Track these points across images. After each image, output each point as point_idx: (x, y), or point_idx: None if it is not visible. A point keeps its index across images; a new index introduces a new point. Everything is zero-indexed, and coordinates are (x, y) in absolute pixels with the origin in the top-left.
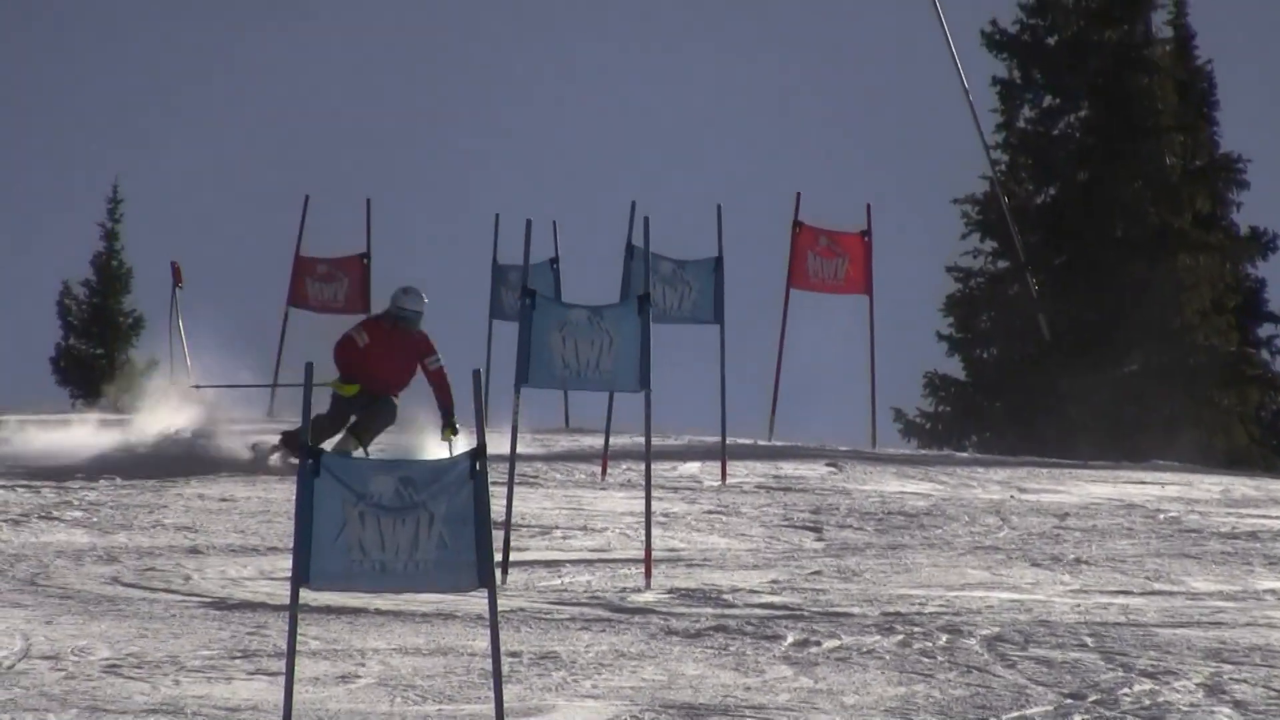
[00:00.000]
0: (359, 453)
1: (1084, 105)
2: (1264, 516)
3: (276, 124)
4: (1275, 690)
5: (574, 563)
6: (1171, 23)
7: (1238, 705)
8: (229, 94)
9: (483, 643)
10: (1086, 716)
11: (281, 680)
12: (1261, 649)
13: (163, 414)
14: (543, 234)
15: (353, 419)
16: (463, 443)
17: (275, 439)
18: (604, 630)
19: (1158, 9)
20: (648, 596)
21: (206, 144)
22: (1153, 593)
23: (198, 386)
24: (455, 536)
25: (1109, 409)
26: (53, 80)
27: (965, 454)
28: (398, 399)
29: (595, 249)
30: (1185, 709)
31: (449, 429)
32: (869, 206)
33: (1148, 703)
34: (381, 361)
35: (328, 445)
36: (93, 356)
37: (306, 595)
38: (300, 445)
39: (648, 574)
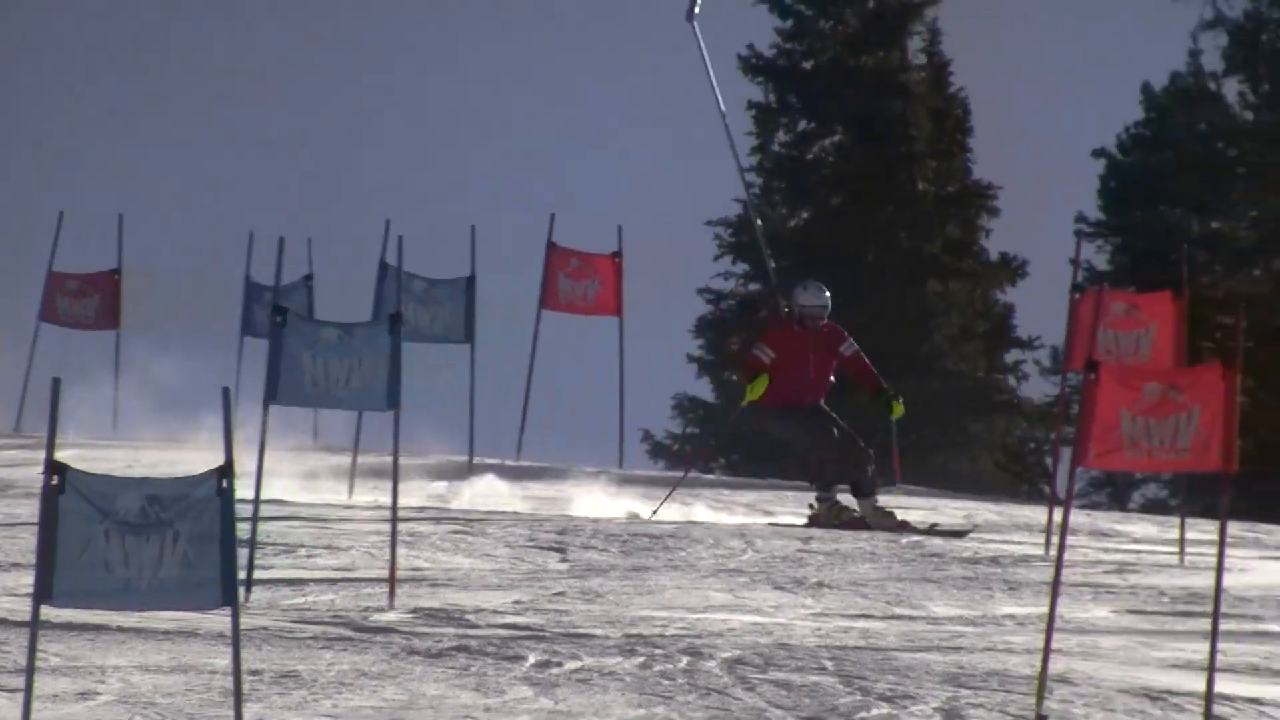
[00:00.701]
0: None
1: (839, 130)
2: (1006, 542)
3: (22, 136)
4: (1011, 715)
5: (318, 581)
6: (926, 50)
7: None
8: None
9: (224, 660)
10: None
11: (20, 697)
12: (999, 674)
13: None
14: (297, 251)
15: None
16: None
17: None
18: (346, 649)
19: (913, 36)
20: (391, 616)
21: None
22: (893, 617)
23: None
24: (200, 555)
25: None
26: None
27: (712, 476)
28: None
29: (349, 267)
30: None
31: (896, 401)
32: (620, 228)
33: None
34: (801, 369)
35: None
36: None
37: (48, 612)
38: (45, 462)
39: (391, 593)
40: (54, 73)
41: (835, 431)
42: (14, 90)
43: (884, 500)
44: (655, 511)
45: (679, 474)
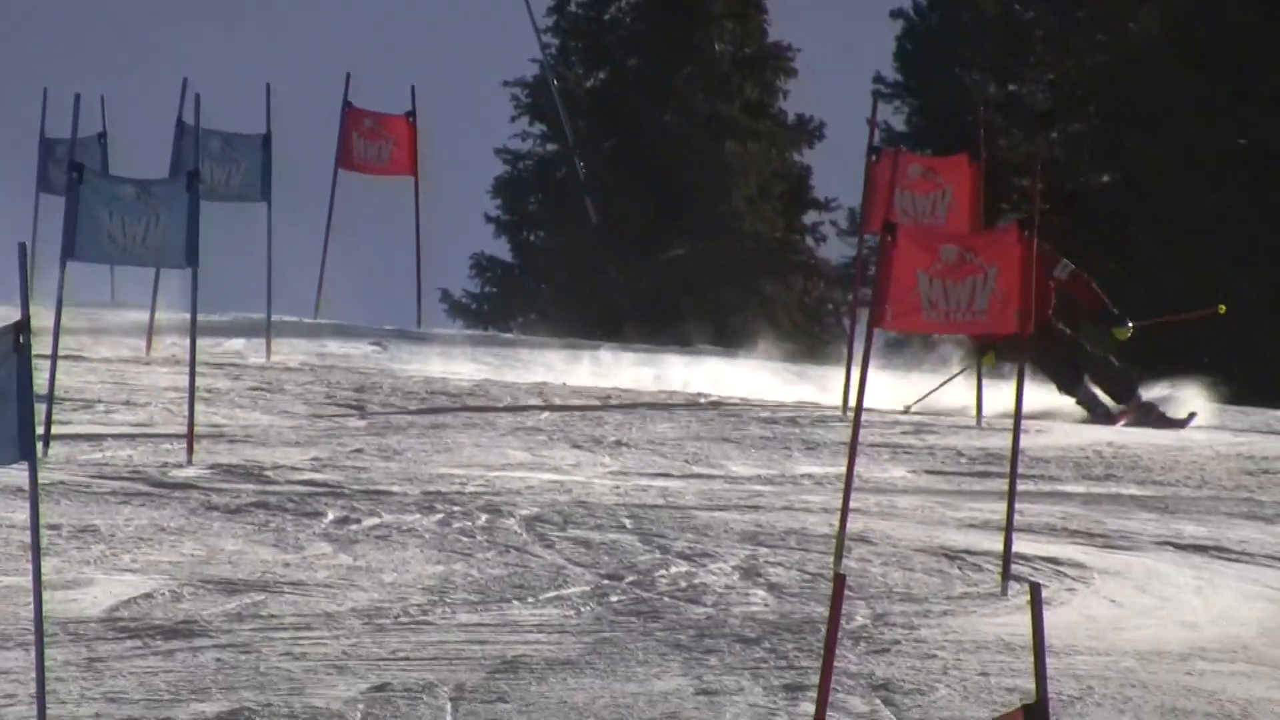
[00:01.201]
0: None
1: None
2: (803, 402)
3: None
4: (809, 573)
5: (116, 437)
6: None
7: (772, 588)
8: None
9: (22, 515)
10: (623, 597)
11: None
12: (797, 532)
13: None
14: (91, 108)
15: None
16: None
17: None
18: (144, 504)
19: None
20: (189, 472)
21: None
22: (691, 476)
23: None
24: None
25: (656, 294)
26: None
27: (510, 335)
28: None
29: (145, 125)
30: (721, 590)
31: (1120, 325)
32: (413, 88)
33: (684, 584)
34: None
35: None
36: None
37: None
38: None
39: (190, 449)
40: None
41: None
42: None
43: None
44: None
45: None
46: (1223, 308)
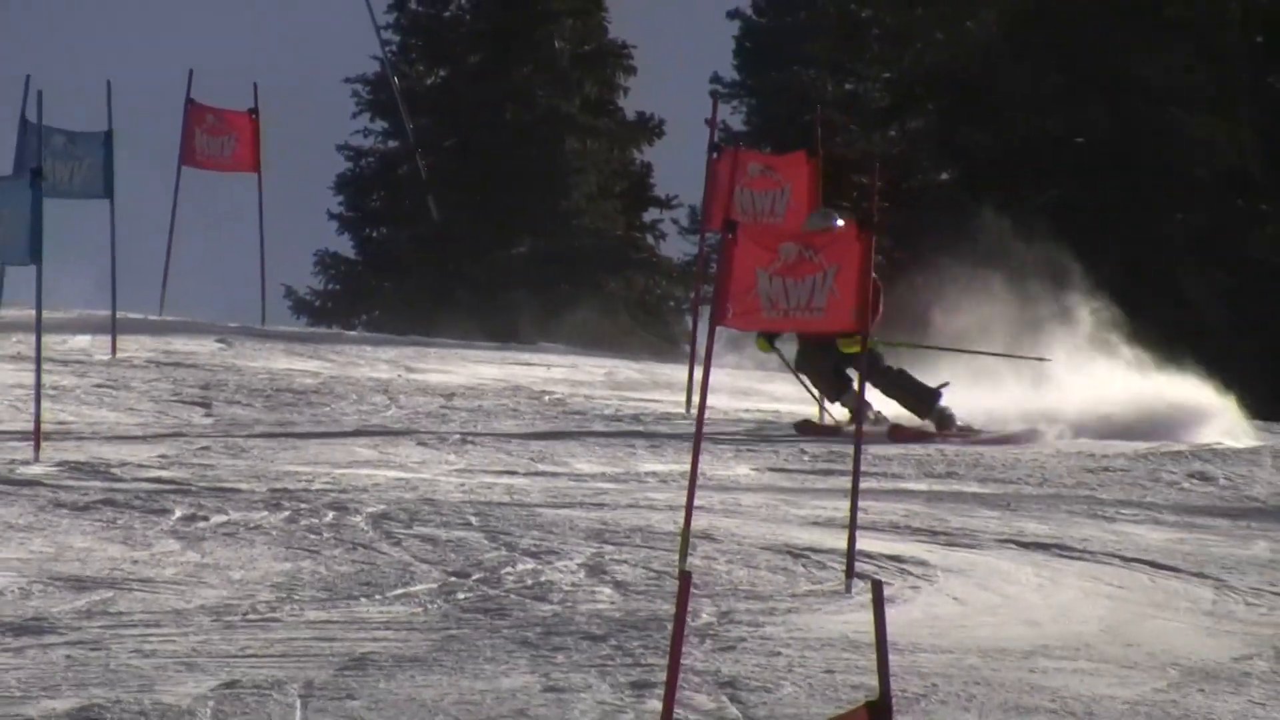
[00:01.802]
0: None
1: None
2: (646, 400)
3: None
4: (654, 570)
5: None
6: None
7: (618, 585)
8: None
9: None
10: (470, 594)
11: None
12: (642, 530)
13: None
14: None
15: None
16: None
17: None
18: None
19: None
20: (36, 469)
21: None
22: (537, 473)
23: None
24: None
25: (497, 291)
26: None
27: (354, 333)
28: None
29: None
30: (568, 588)
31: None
32: (255, 85)
33: (530, 582)
34: None
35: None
36: None
37: None
38: None
39: (37, 447)
40: None
41: None
42: None
43: None
44: None
45: (323, 329)
46: (1049, 359)
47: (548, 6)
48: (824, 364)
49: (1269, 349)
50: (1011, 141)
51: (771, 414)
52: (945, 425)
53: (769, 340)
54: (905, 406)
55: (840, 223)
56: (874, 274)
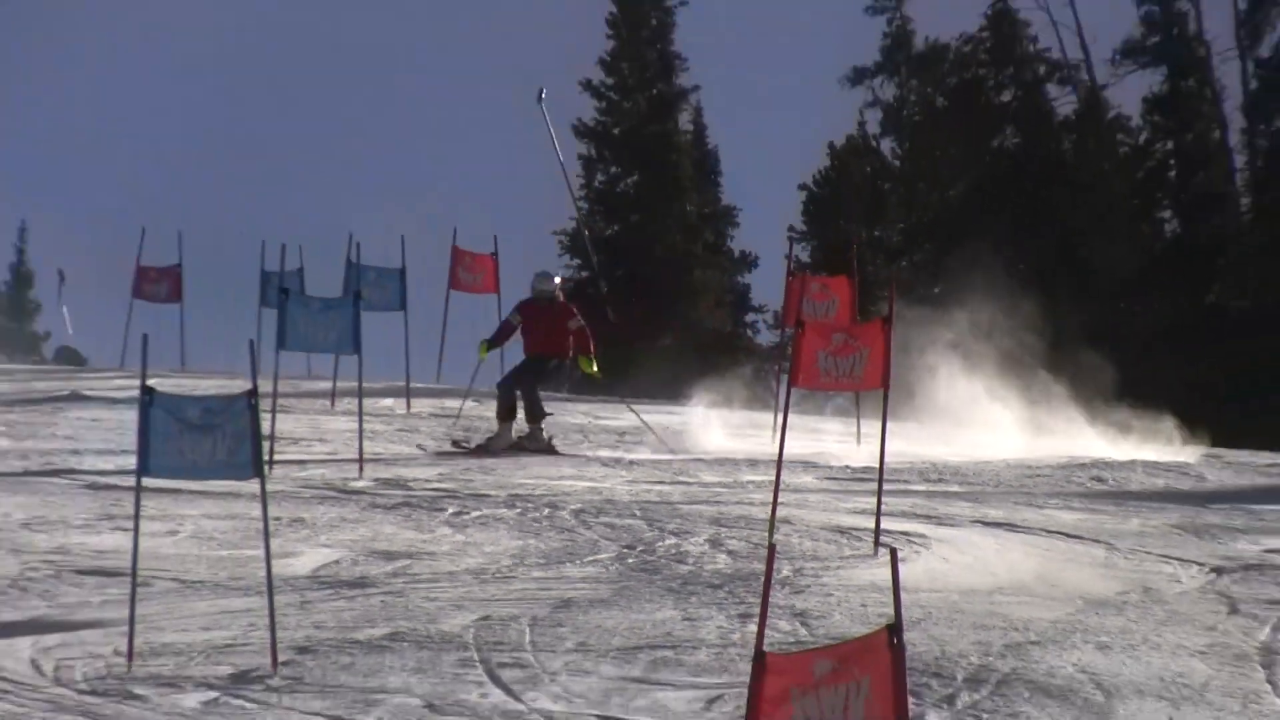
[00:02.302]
0: (543, 433)
1: (636, 172)
2: (746, 434)
3: None
4: (752, 543)
5: (315, 462)
6: (693, 119)
7: (730, 553)
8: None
9: (256, 511)
10: (635, 560)
11: (131, 533)
12: (745, 518)
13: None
14: (294, 251)
15: (520, 408)
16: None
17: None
18: (333, 505)
19: (682, 111)
20: (361, 483)
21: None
22: (677, 482)
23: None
24: (237, 444)
25: (658, 370)
26: None
27: (561, 394)
28: (555, 362)
29: (325, 264)
30: (697, 555)
31: (589, 362)
32: (495, 237)
33: (674, 551)
34: (535, 331)
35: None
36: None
37: (147, 480)
38: (141, 386)
39: (360, 469)
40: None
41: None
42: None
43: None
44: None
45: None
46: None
47: (681, 184)
48: (529, 382)
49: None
50: (978, 267)
51: (828, 442)
52: (535, 439)
53: (488, 345)
54: (526, 414)
55: (557, 280)
56: (581, 322)
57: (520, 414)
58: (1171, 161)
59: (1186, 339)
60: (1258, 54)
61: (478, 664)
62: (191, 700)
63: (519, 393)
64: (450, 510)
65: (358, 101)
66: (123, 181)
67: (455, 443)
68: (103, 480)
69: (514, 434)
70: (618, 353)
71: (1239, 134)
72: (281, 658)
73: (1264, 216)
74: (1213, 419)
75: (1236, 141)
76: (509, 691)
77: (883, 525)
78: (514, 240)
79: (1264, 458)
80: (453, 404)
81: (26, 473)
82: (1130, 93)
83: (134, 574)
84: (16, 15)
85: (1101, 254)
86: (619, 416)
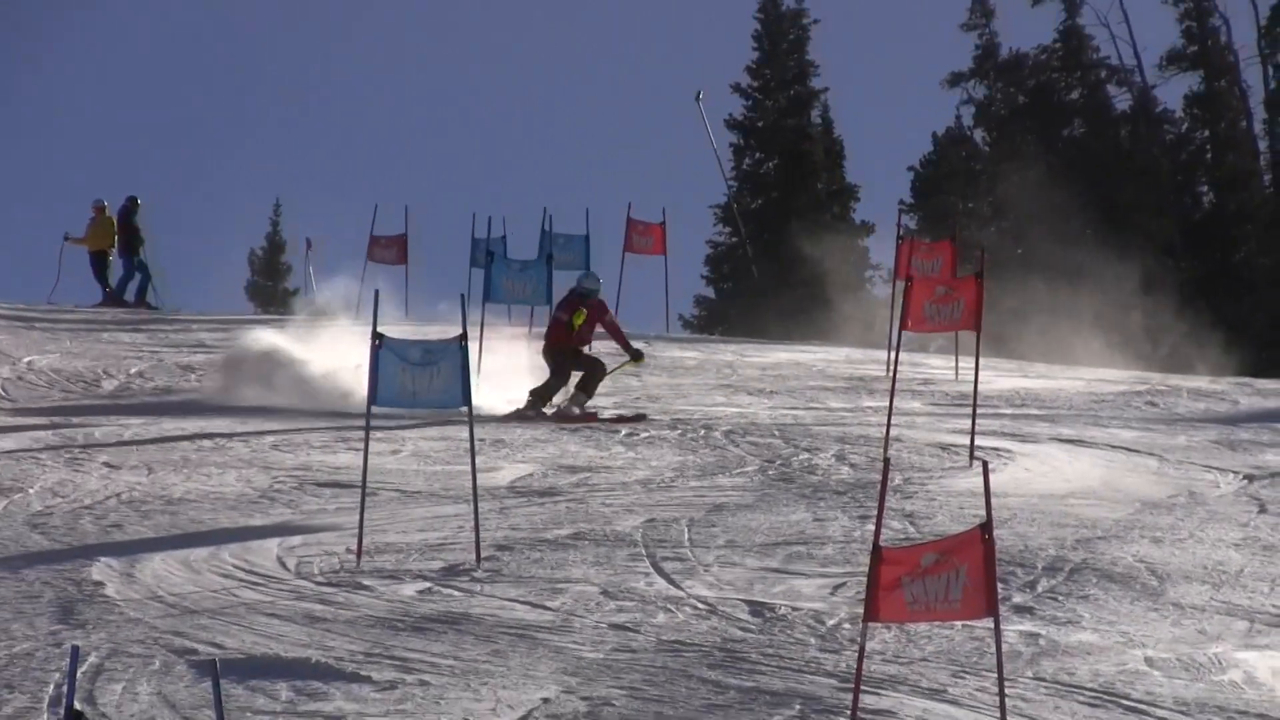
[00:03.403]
0: (588, 402)
1: (776, 157)
2: (865, 368)
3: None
4: (870, 457)
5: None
6: (822, 115)
7: (853, 466)
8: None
9: (464, 434)
10: (774, 472)
11: (361, 452)
12: (865, 437)
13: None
14: (499, 223)
15: (576, 376)
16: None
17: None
18: (528, 428)
19: (815, 108)
20: (551, 410)
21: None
22: (808, 409)
23: None
24: (451, 378)
25: (793, 318)
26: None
27: (715, 336)
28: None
29: (526, 231)
30: (825, 468)
31: (633, 357)
32: (664, 209)
33: (806, 464)
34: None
35: (558, 397)
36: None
37: (375, 409)
38: (372, 333)
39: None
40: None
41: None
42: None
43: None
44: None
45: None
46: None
47: (814, 167)
48: (567, 372)
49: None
50: (1050, 232)
51: (934, 371)
52: (578, 404)
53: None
54: (583, 384)
55: (600, 281)
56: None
57: (572, 385)
58: (1207, 147)
59: (1220, 291)
60: (1276, 59)
61: (645, 558)
62: (409, 590)
63: (575, 375)
64: (623, 432)
65: (551, 98)
66: (359, 162)
67: (520, 410)
68: (339, 410)
69: (561, 400)
70: (757, 303)
71: (1262, 124)
72: (484, 554)
73: None
74: (1243, 355)
75: (1260, 129)
76: (670, 580)
77: (976, 442)
78: (678, 212)
79: None
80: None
81: (275, 405)
82: (1174, 92)
83: (364, 486)
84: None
85: (1152, 222)
86: (765, 355)
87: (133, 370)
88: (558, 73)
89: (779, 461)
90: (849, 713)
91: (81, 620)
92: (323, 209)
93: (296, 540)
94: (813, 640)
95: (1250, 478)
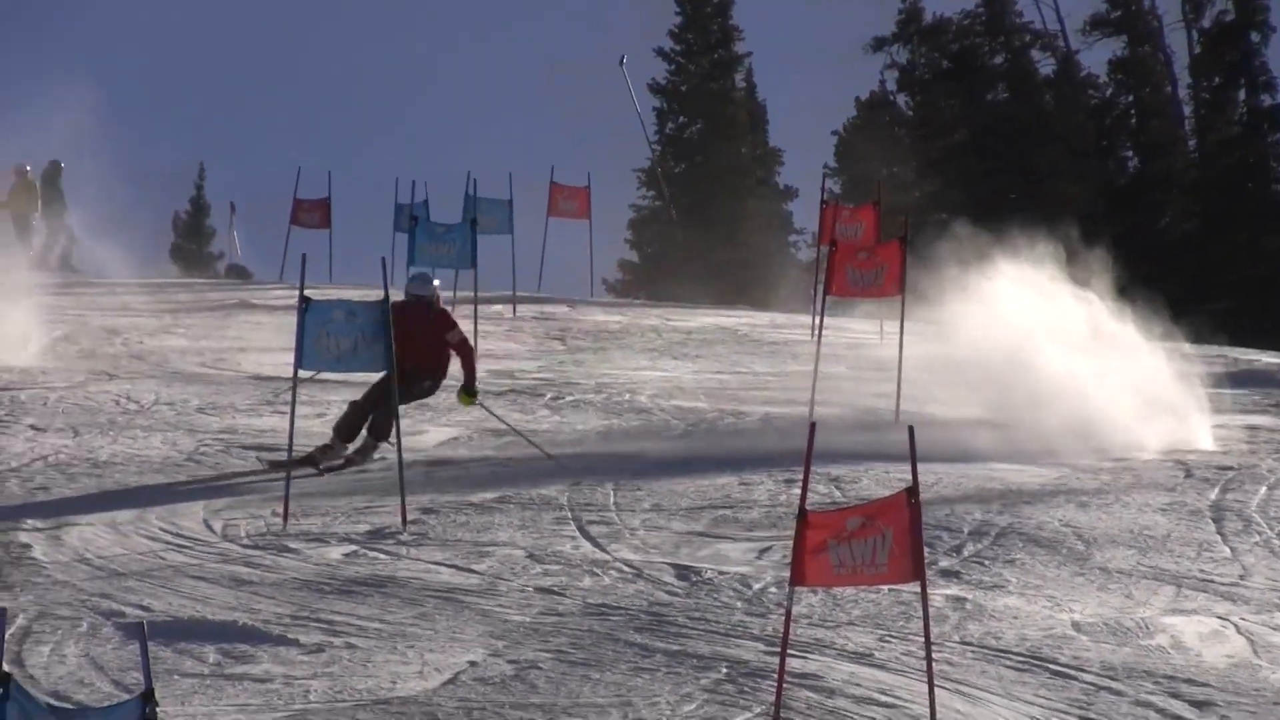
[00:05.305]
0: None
1: (699, 121)
2: (780, 332)
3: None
4: (797, 423)
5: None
6: (746, 79)
7: (778, 431)
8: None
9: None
10: (700, 433)
11: (287, 415)
12: (790, 400)
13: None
14: (420, 189)
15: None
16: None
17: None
18: (452, 391)
19: (738, 72)
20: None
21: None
22: (734, 373)
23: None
24: (374, 342)
25: (710, 279)
26: None
27: (639, 301)
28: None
29: (449, 199)
30: (750, 432)
31: (469, 396)
32: (589, 174)
33: (732, 428)
34: (410, 340)
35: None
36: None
37: (300, 372)
38: (299, 297)
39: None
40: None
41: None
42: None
43: None
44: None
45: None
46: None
47: (737, 132)
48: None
49: None
50: (972, 195)
51: (851, 339)
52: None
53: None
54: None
55: (436, 283)
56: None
57: (364, 432)
58: (1131, 112)
59: (1142, 256)
60: (1200, 25)
61: (571, 522)
62: (335, 553)
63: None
64: (548, 396)
65: (474, 62)
66: (282, 126)
67: (268, 463)
68: (264, 373)
69: (347, 450)
70: (683, 267)
71: (1185, 89)
72: (410, 517)
73: (1205, 156)
74: (1165, 320)
75: (1184, 95)
76: (596, 544)
77: (901, 406)
78: (602, 175)
79: (1209, 349)
80: (551, 309)
81: (201, 367)
82: (1097, 57)
83: (290, 449)
84: None
85: (1075, 186)
86: (689, 319)
87: (56, 334)
88: (481, 36)
89: (704, 426)
90: (775, 676)
91: (8, 583)
92: (247, 173)
93: (222, 503)
94: (739, 604)
95: None
